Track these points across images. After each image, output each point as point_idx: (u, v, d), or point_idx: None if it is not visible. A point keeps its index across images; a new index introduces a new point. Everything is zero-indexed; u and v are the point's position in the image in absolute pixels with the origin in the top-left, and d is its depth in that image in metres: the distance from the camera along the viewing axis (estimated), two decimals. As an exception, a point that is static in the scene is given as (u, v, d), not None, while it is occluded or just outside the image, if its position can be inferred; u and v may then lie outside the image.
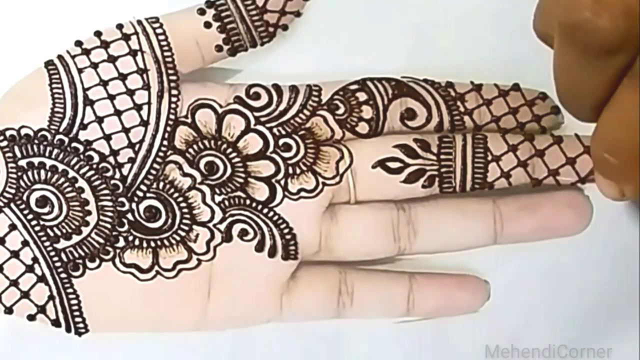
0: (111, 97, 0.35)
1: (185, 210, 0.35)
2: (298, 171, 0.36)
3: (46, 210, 0.35)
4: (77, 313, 0.35)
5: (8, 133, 0.34)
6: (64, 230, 0.35)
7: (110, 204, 0.35)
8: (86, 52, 0.35)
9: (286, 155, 0.36)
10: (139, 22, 0.35)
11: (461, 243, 0.37)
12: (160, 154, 0.35)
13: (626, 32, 0.26)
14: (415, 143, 0.36)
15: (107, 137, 0.35)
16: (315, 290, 0.36)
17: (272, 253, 0.36)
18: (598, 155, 0.30)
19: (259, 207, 0.36)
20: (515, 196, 0.37)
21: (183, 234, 0.35)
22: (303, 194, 0.36)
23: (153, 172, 0.35)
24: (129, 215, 0.35)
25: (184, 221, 0.35)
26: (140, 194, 0.35)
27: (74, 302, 0.35)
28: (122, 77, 0.35)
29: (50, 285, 0.35)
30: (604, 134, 0.29)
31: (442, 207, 0.37)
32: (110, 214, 0.35)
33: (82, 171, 0.35)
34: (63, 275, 0.35)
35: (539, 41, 0.30)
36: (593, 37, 0.26)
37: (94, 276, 0.35)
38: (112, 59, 0.35)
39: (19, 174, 0.34)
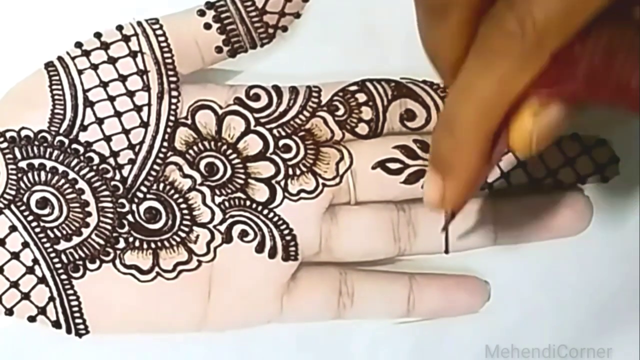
0: (111, 99, 0.35)
1: (185, 211, 0.35)
2: (298, 172, 0.36)
3: (46, 211, 0.35)
4: (77, 314, 0.35)
5: (8, 134, 0.34)
6: (64, 232, 0.35)
7: (110, 205, 0.35)
8: (86, 53, 0.35)
9: (286, 156, 0.36)
10: (139, 24, 0.35)
11: (461, 244, 0.37)
12: (161, 155, 0.35)
13: None
14: (414, 144, 0.36)
15: (107, 139, 0.35)
16: (315, 291, 0.37)
17: (272, 254, 0.36)
18: (437, 134, 0.28)
19: (259, 208, 0.36)
20: (515, 197, 0.37)
21: (183, 235, 0.35)
22: (303, 194, 0.36)
23: (153, 173, 0.35)
24: (129, 217, 0.35)
25: (184, 222, 0.35)
26: (141, 195, 0.35)
27: (74, 303, 0.35)
28: (122, 78, 0.35)
29: (51, 287, 0.35)
30: (451, 102, 0.28)
31: (441, 207, 0.37)
32: (110, 215, 0.35)
33: (82, 172, 0.35)
34: (63, 276, 0.35)
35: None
36: None
37: (95, 277, 0.35)
38: (112, 60, 0.35)
39: (19, 175, 0.34)
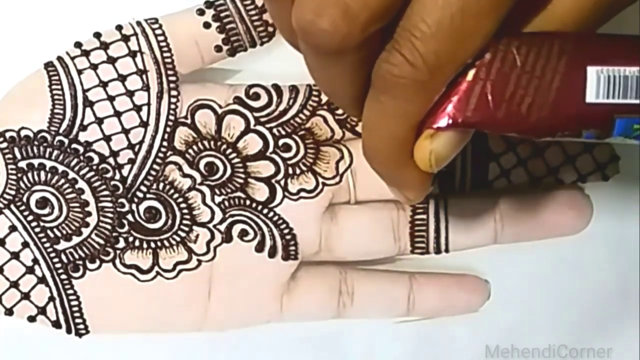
0: (111, 98, 0.35)
1: (185, 211, 0.35)
2: (298, 171, 0.36)
3: (46, 211, 0.35)
4: (77, 314, 0.35)
5: (8, 134, 0.34)
6: (64, 232, 0.35)
7: (110, 205, 0.35)
8: (85, 53, 0.35)
9: (286, 155, 0.36)
10: (138, 23, 0.35)
11: (461, 243, 0.37)
12: (160, 154, 0.35)
13: (348, 32, 0.25)
14: (414, 143, 0.36)
15: (107, 138, 0.35)
16: (315, 291, 0.37)
17: (272, 253, 0.36)
18: (370, 165, 0.29)
19: (259, 207, 0.36)
20: (516, 196, 0.37)
21: (183, 234, 0.35)
22: (303, 194, 0.36)
23: (153, 173, 0.35)
24: (129, 216, 0.35)
25: (184, 222, 0.35)
26: (140, 194, 0.35)
27: (74, 303, 0.35)
28: (122, 78, 0.35)
29: (51, 287, 0.35)
30: (364, 140, 0.29)
31: (441, 207, 0.37)
32: (110, 215, 0.35)
33: (82, 172, 0.35)
34: (63, 276, 0.35)
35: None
36: (318, 39, 0.26)
37: (95, 277, 0.35)
38: (111, 60, 0.35)
39: (19, 175, 0.34)
